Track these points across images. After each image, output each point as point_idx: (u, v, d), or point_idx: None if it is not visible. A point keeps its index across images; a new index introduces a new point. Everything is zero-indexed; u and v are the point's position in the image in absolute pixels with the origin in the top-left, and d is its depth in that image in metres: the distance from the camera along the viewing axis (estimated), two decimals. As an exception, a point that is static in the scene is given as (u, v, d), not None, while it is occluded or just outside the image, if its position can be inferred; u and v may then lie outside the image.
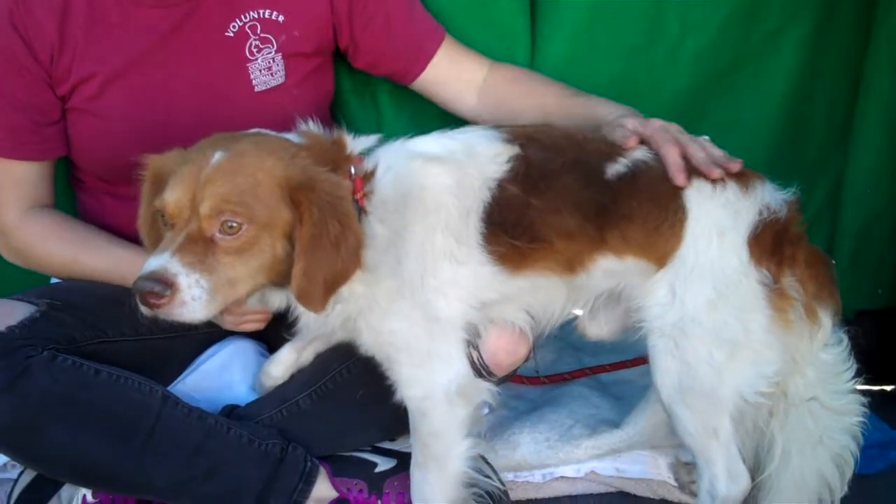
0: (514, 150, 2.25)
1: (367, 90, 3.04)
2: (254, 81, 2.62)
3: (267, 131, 2.20)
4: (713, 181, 2.26)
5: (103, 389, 2.30)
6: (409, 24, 2.76)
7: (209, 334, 2.70)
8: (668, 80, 3.07)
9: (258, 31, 2.62)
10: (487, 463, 2.51)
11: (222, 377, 2.66)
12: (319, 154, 2.12)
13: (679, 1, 2.99)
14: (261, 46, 2.62)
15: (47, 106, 2.56)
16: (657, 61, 3.06)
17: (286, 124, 2.35)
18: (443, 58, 2.77)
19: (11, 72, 2.51)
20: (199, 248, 1.97)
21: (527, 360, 2.49)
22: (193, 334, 2.63)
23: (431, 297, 2.20)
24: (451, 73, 2.78)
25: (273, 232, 2.02)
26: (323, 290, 2.03)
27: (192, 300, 1.95)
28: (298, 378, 2.57)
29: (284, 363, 2.58)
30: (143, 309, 1.97)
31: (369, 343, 2.26)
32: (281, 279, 2.08)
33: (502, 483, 2.49)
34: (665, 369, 2.29)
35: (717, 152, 2.30)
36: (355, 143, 2.23)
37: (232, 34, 2.60)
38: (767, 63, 3.11)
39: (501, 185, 2.22)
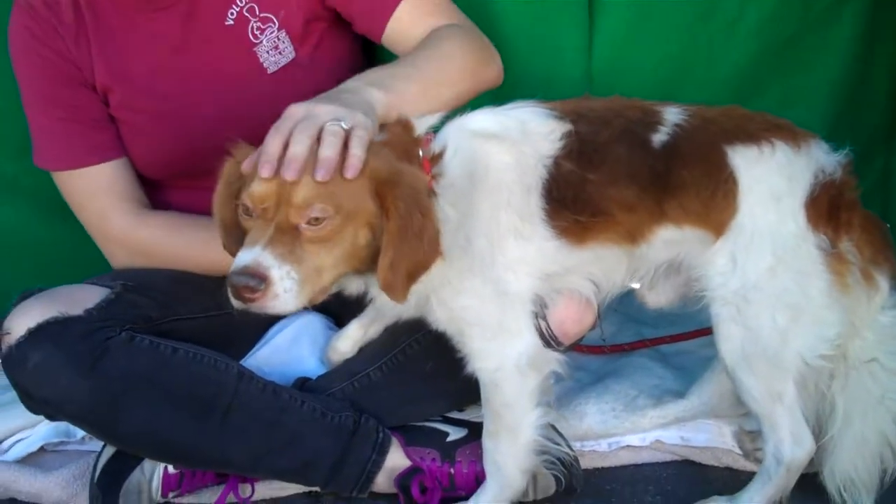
0: (566, 126, 2.29)
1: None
2: (265, 64, 2.65)
3: None
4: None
5: (181, 368, 2.40)
6: None
7: None
8: (727, 54, 3.09)
9: (257, 13, 2.64)
10: (557, 431, 2.58)
11: (292, 351, 2.75)
12: (396, 143, 2.15)
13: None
14: (262, 27, 2.64)
15: (98, 103, 2.65)
16: (715, 35, 3.08)
17: (307, 98, 2.41)
18: (404, 12, 2.63)
19: (55, 80, 2.61)
20: (288, 238, 1.97)
21: (593, 328, 2.55)
22: None
23: (501, 273, 2.26)
24: (411, 29, 2.62)
25: (357, 222, 2.03)
26: (405, 281, 2.05)
27: (285, 292, 1.95)
28: (368, 351, 2.65)
29: (352, 338, 2.67)
30: (236, 303, 1.98)
31: (442, 319, 2.31)
32: (361, 266, 2.10)
33: (572, 449, 2.56)
34: (728, 336, 2.34)
35: (327, 151, 1.99)
36: (420, 123, 2.24)
37: (232, 22, 2.64)
38: (828, 35, 3.12)
39: (557, 162, 2.26)
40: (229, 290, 1.96)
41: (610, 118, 2.32)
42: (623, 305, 2.90)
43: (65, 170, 2.66)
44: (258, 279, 1.93)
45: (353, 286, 2.29)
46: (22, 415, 2.79)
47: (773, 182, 2.30)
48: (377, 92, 2.21)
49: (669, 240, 2.34)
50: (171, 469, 2.53)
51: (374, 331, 2.66)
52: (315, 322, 2.82)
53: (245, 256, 1.96)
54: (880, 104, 3.25)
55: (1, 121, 3.26)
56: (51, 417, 2.50)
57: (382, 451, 2.51)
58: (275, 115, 2.28)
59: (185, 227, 2.66)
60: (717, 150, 2.30)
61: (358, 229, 2.04)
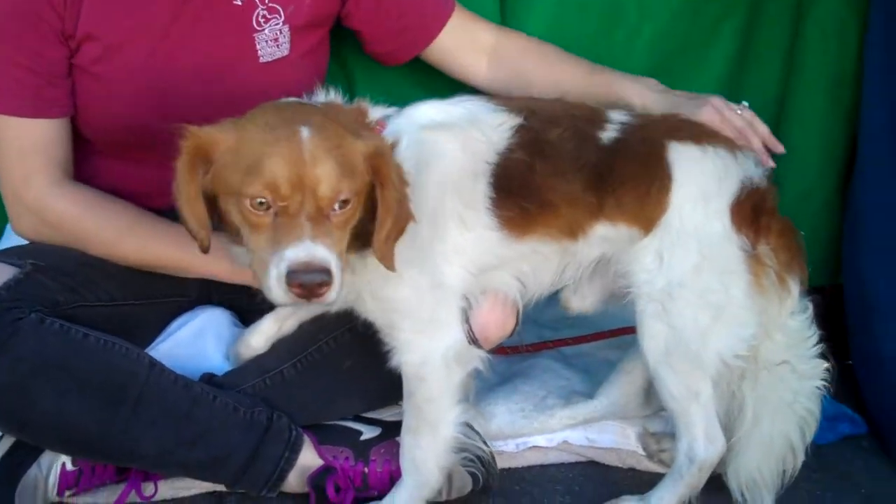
0: (517, 119, 2.31)
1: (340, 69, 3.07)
2: (259, 52, 2.59)
3: (301, 100, 2.20)
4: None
5: (92, 354, 2.29)
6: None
7: (179, 303, 2.71)
8: (627, 64, 3.20)
9: (266, 1, 2.57)
10: (473, 429, 2.55)
11: (195, 346, 2.65)
12: (350, 126, 2.12)
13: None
14: (268, 17, 2.58)
15: (64, 59, 2.48)
16: (616, 47, 3.21)
17: (288, 95, 2.37)
18: (450, 30, 2.77)
19: (28, 25, 2.42)
20: (325, 228, 1.94)
21: (512, 334, 2.55)
22: (165, 302, 2.66)
23: (439, 264, 2.24)
24: (460, 43, 2.78)
25: (362, 199, 2.02)
26: (393, 249, 2.07)
27: (338, 281, 1.93)
28: (281, 347, 2.57)
29: (265, 333, 2.58)
30: (297, 300, 1.93)
31: (373, 310, 2.28)
32: None
33: (487, 444, 2.54)
34: (652, 333, 2.36)
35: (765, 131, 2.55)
36: (373, 112, 2.25)
37: (240, 3, 2.55)
38: (710, 49, 3.30)
39: (508, 151, 2.28)
40: (291, 289, 1.91)
41: (559, 115, 2.36)
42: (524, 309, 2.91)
43: (13, 114, 2.46)
44: (327, 273, 1.90)
45: None
46: None
47: (704, 182, 2.35)
48: None
49: (604, 236, 2.37)
50: (69, 465, 2.40)
51: (289, 326, 2.58)
52: (220, 317, 2.73)
53: (299, 252, 1.90)
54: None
55: None
56: None
57: (295, 449, 2.44)
58: (250, 103, 2.30)
59: (104, 212, 2.51)
60: (658, 145, 2.35)
61: (363, 205, 2.03)
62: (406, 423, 2.37)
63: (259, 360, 2.56)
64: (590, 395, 2.82)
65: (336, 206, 1.95)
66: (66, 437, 2.30)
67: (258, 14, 2.57)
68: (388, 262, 2.07)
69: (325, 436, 2.50)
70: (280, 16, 2.59)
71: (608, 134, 2.35)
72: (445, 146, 2.27)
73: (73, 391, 2.25)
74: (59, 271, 2.42)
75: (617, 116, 2.41)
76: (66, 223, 2.49)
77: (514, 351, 3.12)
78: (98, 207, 2.51)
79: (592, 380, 2.91)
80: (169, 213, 2.33)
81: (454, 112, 2.33)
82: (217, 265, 2.43)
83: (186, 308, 2.73)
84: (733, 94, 3.31)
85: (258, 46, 2.59)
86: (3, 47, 2.43)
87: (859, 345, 3.09)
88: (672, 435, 2.59)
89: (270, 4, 2.58)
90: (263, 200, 1.93)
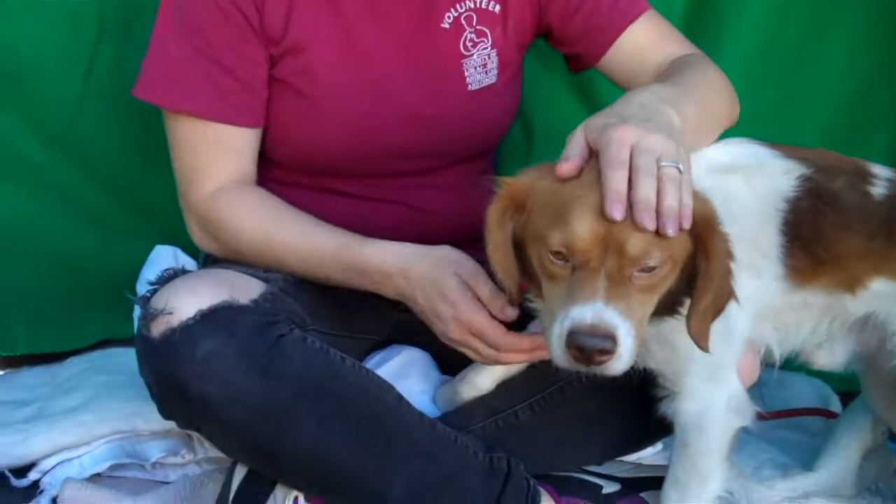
0: (802, 168, 2.20)
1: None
2: (468, 80, 2.41)
3: None
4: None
5: (351, 379, 2.09)
6: None
7: (371, 341, 2.53)
8: None
9: (473, 23, 2.41)
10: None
11: (400, 385, 2.37)
12: None
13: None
14: (476, 41, 2.41)
15: (262, 60, 2.31)
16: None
17: (490, 127, 2.32)
18: (641, 31, 2.47)
19: (225, 23, 2.25)
20: (623, 291, 1.75)
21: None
22: (362, 339, 2.48)
23: (734, 310, 2.07)
24: (647, 53, 2.47)
25: (678, 266, 1.84)
26: (709, 327, 1.89)
27: (625, 351, 1.73)
28: (512, 388, 2.37)
29: (494, 372, 2.38)
30: (574, 365, 1.75)
31: (659, 357, 2.11)
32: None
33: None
34: None
35: (671, 200, 1.76)
36: None
37: (447, 26, 2.39)
38: None
39: (796, 199, 2.17)
40: (570, 351, 1.72)
41: (834, 166, 2.25)
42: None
43: (194, 114, 2.28)
44: (612, 340, 1.71)
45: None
46: (72, 430, 2.42)
47: None
48: (674, 114, 1.95)
49: (878, 293, 2.25)
50: (301, 501, 2.15)
51: (518, 367, 2.40)
52: (421, 358, 2.53)
53: (585, 313, 1.72)
54: None
55: (34, 102, 2.89)
56: (189, 425, 2.11)
57: (535, 500, 2.22)
58: (456, 134, 2.40)
59: (284, 208, 2.31)
60: None
61: (676, 273, 1.85)
62: (673, 475, 2.20)
63: (486, 401, 2.37)
64: (789, 466, 2.69)
65: (641, 270, 1.78)
66: (319, 471, 2.07)
67: (465, 38, 2.41)
68: (702, 340, 1.89)
69: (562, 487, 2.32)
70: (487, 39, 2.42)
71: (878, 190, 2.25)
72: (737, 189, 2.13)
73: (335, 418, 2.03)
74: (300, 291, 2.24)
75: (880, 171, 2.29)
76: (220, 223, 2.31)
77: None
78: (278, 206, 2.32)
79: (794, 452, 2.79)
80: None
81: (740, 154, 2.20)
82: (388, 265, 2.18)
83: (377, 347, 2.56)
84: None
85: (466, 73, 2.42)
86: (192, 37, 2.27)
87: None
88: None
89: (478, 27, 2.42)
90: (562, 252, 1.78)
